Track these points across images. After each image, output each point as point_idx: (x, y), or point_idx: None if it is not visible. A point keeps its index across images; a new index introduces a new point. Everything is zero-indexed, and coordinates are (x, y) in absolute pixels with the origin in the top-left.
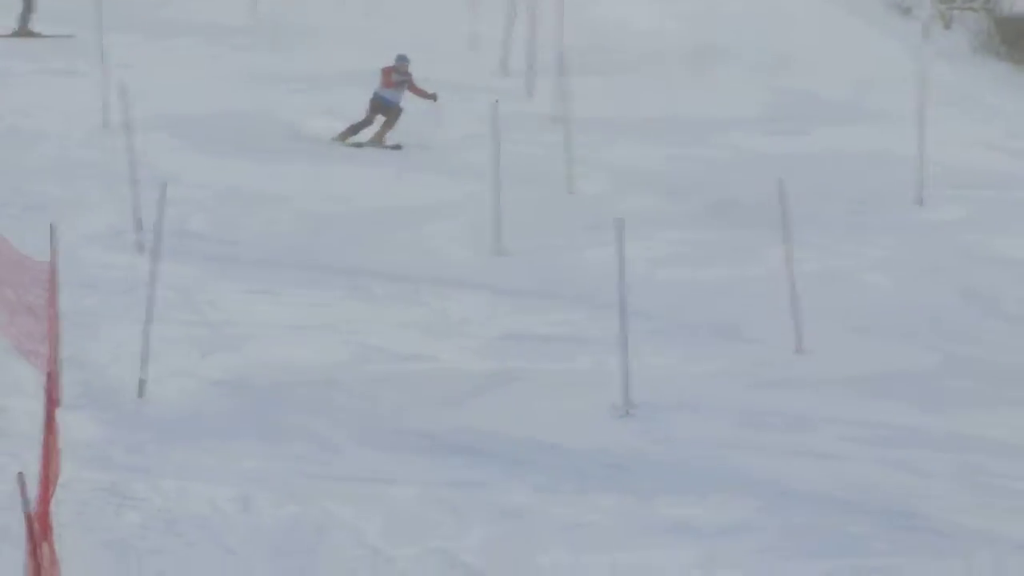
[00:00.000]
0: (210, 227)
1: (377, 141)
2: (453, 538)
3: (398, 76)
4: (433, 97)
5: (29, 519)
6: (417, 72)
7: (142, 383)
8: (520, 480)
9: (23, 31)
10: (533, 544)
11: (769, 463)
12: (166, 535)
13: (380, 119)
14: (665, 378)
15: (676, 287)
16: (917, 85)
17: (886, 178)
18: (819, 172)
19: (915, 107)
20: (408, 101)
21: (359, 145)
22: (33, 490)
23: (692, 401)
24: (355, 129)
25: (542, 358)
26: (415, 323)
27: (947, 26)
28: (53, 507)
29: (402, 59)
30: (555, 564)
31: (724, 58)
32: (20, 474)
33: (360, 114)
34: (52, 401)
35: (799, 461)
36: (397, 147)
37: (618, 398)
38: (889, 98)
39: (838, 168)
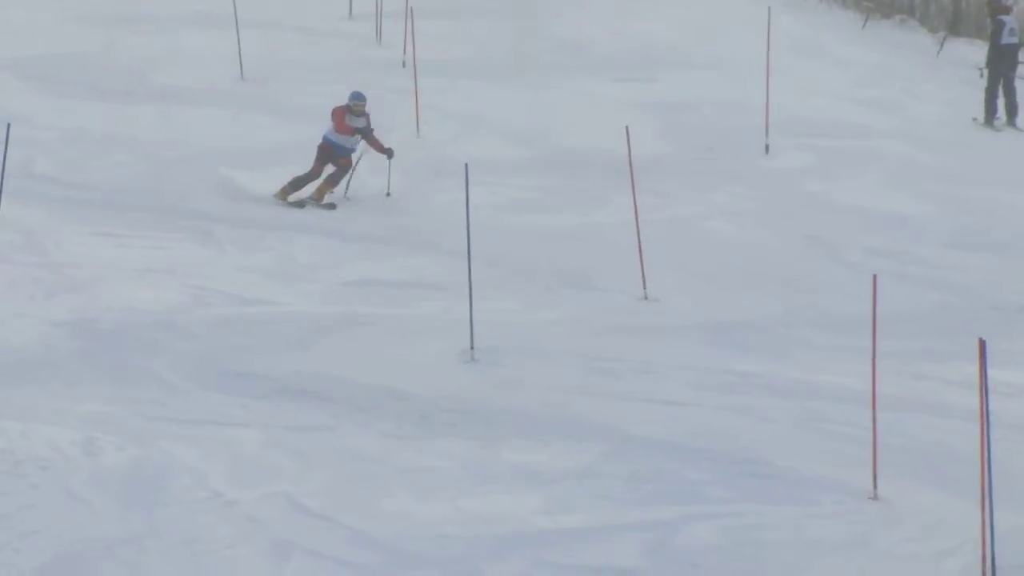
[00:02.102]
0: (56, 169)
1: (318, 197)
2: (296, 482)
3: (354, 120)
4: (388, 153)
5: None
6: (266, 16)
7: None
8: (364, 425)
9: None
10: (377, 489)
11: (614, 409)
12: (9, 477)
13: (328, 169)
14: (511, 324)
15: (523, 233)
16: (764, 34)
17: (733, 126)
18: (667, 119)
19: (762, 55)
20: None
21: (301, 204)
22: None
23: (538, 347)
24: (298, 183)
25: (388, 303)
26: (260, 268)
27: None
28: None
29: (357, 97)
30: (399, 509)
31: (572, 4)
32: None
33: (305, 164)
34: None
35: (643, 407)
36: (332, 206)
37: (464, 344)
38: (737, 46)
39: (686, 116)
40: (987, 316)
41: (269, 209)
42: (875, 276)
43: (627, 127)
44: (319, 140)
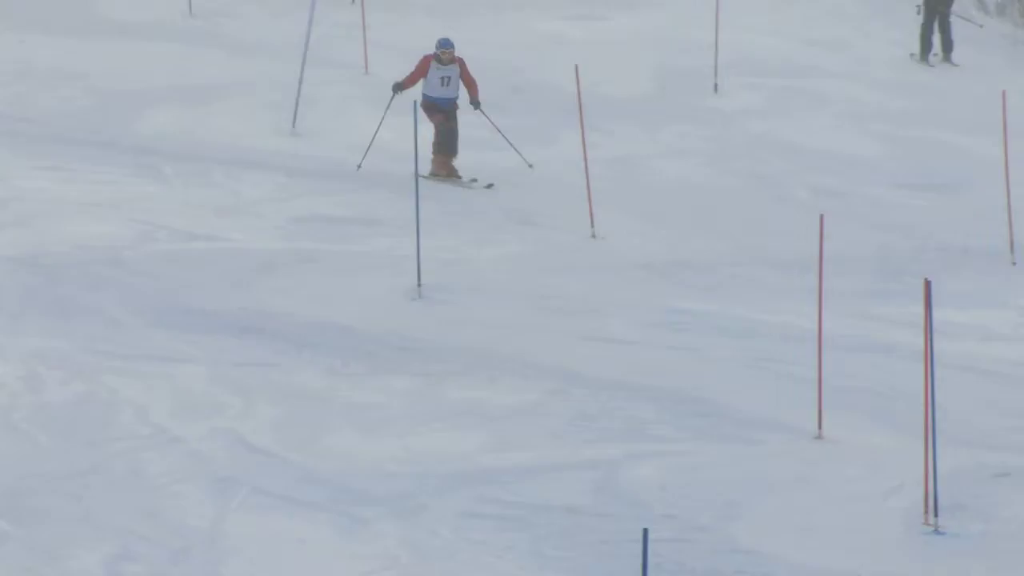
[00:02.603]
0: (1, 103)
1: (447, 172)
2: (241, 418)
3: (440, 70)
4: (475, 103)
5: None
6: None
7: None
8: (310, 362)
9: None
10: (322, 425)
11: (560, 348)
12: None
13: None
14: (458, 262)
15: (471, 171)
16: None
17: (683, 65)
18: (616, 58)
19: None
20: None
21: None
22: None
23: (484, 285)
24: (443, 147)
25: (335, 240)
26: (206, 203)
27: None
28: None
29: (445, 44)
30: (344, 446)
31: None
32: None
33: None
34: None
35: (590, 346)
36: (473, 181)
37: (411, 281)
38: None
39: (636, 54)
40: (933, 257)
41: (216, 144)
42: (822, 216)
43: (576, 65)
44: (392, 97)
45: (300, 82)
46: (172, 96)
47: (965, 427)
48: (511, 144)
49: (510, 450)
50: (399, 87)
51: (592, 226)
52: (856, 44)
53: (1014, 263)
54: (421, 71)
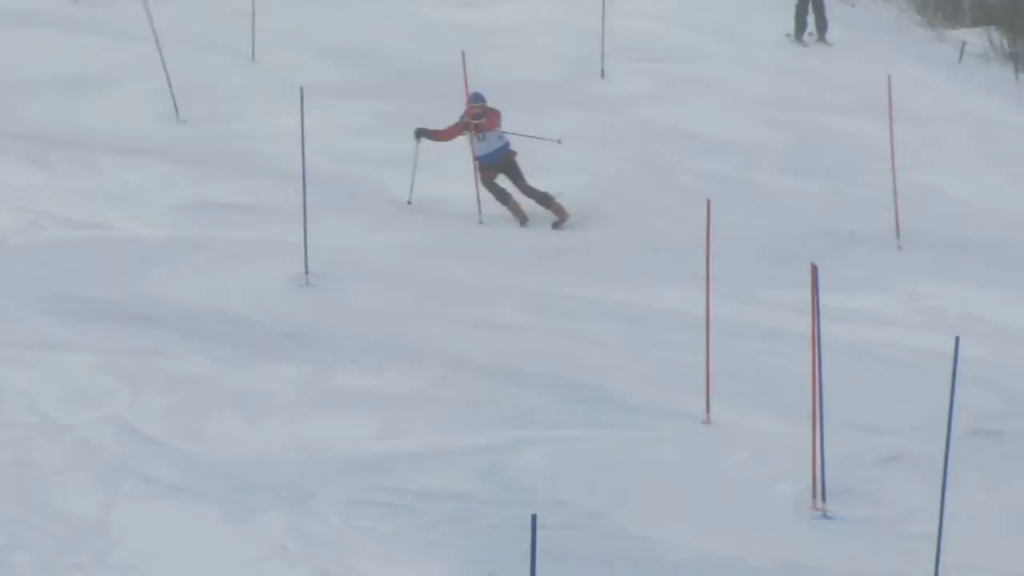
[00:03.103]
0: None
1: (558, 215)
2: (129, 406)
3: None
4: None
5: None
6: None
7: None
8: (197, 349)
9: None
10: (210, 413)
11: (448, 333)
12: None
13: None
14: (346, 248)
15: (359, 157)
16: None
17: (570, 51)
18: (504, 44)
19: None
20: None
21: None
22: None
23: (373, 271)
24: (500, 196)
25: (223, 227)
26: (92, 191)
27: None
28: None
29: (477, 98)
30: (231, 433)
31: None
32: None
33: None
34: None
35: (478, 332)
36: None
37: (299, 268)
38: None
39: (523, 40)
40: (819, 242)
41: (102, 132)
42: (708, 201)
43: (463, 51)
44: (419, 142)
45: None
46: (56, 84)
47: (852, 411)
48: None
49: (398, 437)
50: (425, 134)
51: (480, 212)
52: (741, 29)
53: (900, 248)
54: (452, 131)
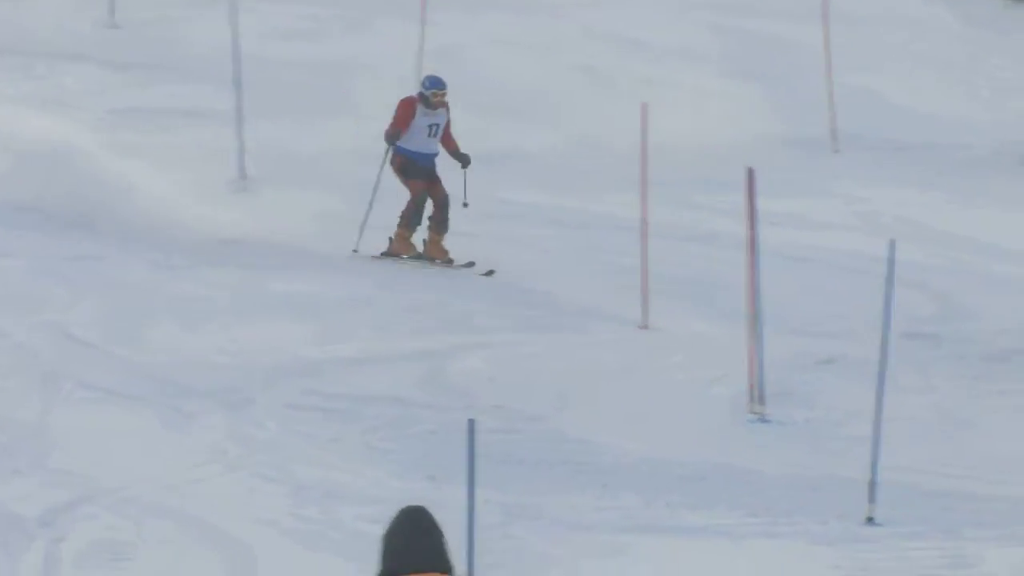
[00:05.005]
0: None
1: (434, 253)
2: (66, 311)
3: (427, 115)
4: (463, 160)
5: None
6: None
7: None
8: (134, 255)
9: None
10: (146, 319)
11: (384, 239)
12: None
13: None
14: (282, 153)
15: (291, 63)
16: None
17: None
18: None
19: None
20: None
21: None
22: None
23: (309, 176)
24: (411, 220)
25: (158, 132)
26: (28, 96)
27: None
28: None
29: (436, 84)
30: (168, 339)
31: None
32: None
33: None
34: None
35: (417, 236)
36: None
37: (235, 173)
38: None
39: None
40: (757, 147)
41: (37, 38)
42: (644, 105)
43: None
44: (388, 152)
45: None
46: None
47: (789, 315)
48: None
49: (337, 342)
50: (393, 139)
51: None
52: None
53: (837, 151)
54: (406, 117)
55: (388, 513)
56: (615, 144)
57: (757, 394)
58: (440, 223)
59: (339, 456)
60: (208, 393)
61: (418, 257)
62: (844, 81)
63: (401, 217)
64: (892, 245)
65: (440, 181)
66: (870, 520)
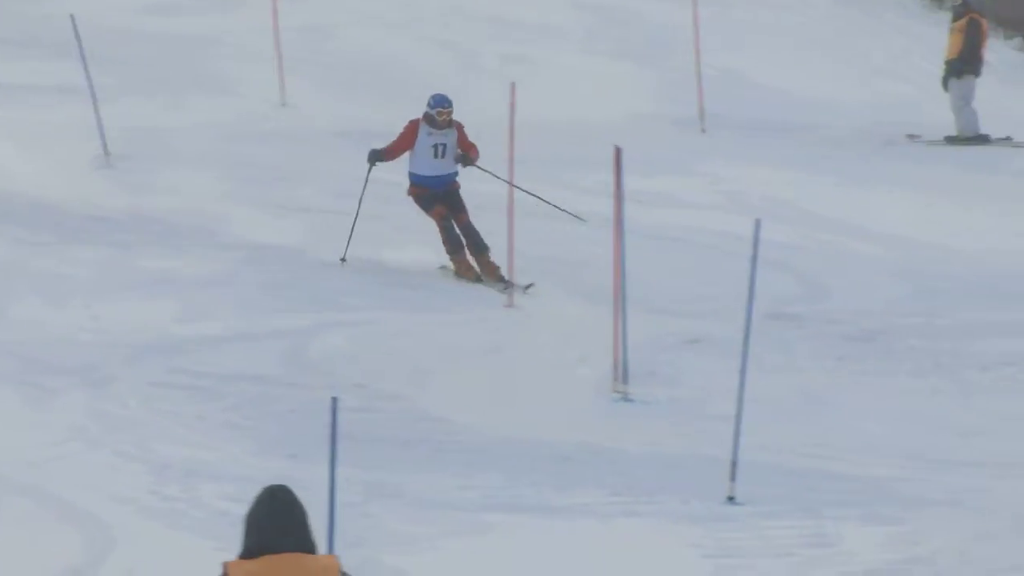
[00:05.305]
0: None
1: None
2: None
3: (432, 136)
4: (465, 160)
5: None
6: None
7: None
8: None
9: None
10: (9, 295)
11: (250, 217)
12: None
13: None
14: (147, 130)
15: (156, 37)
16: None
17: None
18: None
19: None
20: None
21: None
22: None
23: (174, 153)
24: (452, 247)
25: (20, 108)
26: None
27: None
28: None
29: (441, 102)
30: (31, 315)
31: None
32: None
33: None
34: None
35: (282, 215)
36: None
37: (98, 149)
38: None
39: None
40: (624, 124)
41: None
42: (513, 84)
43: None
44: (370, 168)
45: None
46: None
47: (654, 295)
48: (558, 207)
49: (200, 320)
50: (378, 156)
51: (283, 94)
52: None
53: (704, 130)
54: (407, 139)
55: (250, 491)
56: (480, 121)
57: (621, 373)
58: (476, 246)
59: (201, 434)
60: (70, 370)
61: (478, 279)
62: (712, 61)
63: (445, 246)
64: (757, 225)
65: (462, 206)
66: (731, 499)
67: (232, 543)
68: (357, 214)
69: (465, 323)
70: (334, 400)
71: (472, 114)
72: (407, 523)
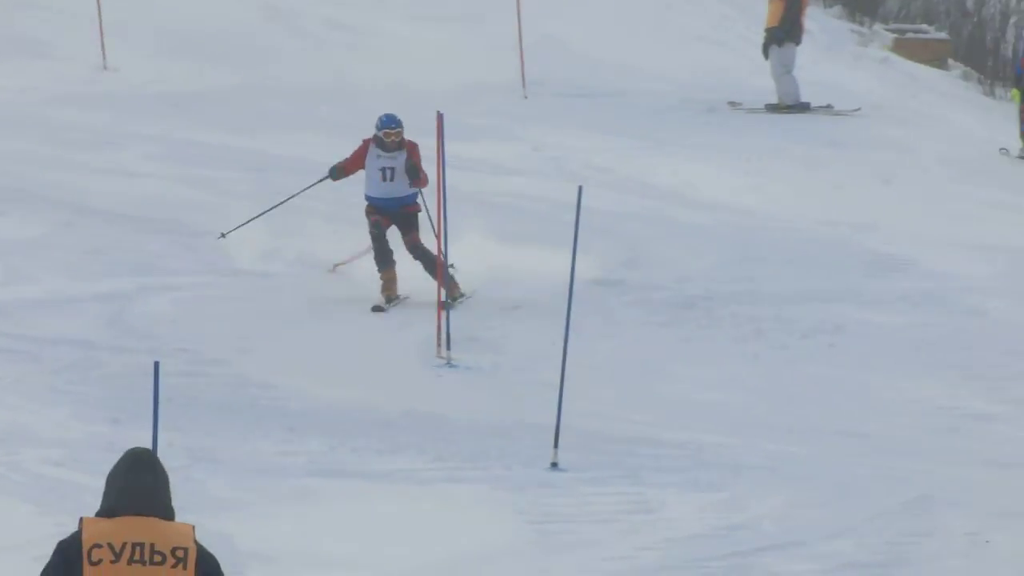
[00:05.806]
0: None
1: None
2: None
3: (381, 158)
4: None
5: None
6: None
7: None
8: None
9: None
10: None
11: (71, 179)
12: None
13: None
14: None
15: None
16: None
17: None
18: None
19: None
20: None
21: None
22: None
23: None
24: (379, 263)
25: None
26: None
27: None
28: None
29: (389, 122)
30: None
31: None
32: None
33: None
34: None
35: (102, 178)
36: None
37: None
38: None
39: None
40: (446, 90)
41: None
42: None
43: None
44: (323, 179)
45: None
46: None
47: (477, 260)
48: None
49: (20, 283)
50: (338, 172)
51: (104, 57)
52: None
53: (526, 97)
54: (358, 160)
55: (72, 456)
56: (298, 85)
57: (444, 339)
58: (427, 264)
59: (22, 398)
60: None
61: (389, 302)
62: (534, 27)
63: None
64: (580, 191)
65: (413, 229)
66: (554, 465)
67: (53, 508)
68: (275, 206)
69: (287, 288)
70: (156, 364)
71: (292, 78)
72: (230, 488)
